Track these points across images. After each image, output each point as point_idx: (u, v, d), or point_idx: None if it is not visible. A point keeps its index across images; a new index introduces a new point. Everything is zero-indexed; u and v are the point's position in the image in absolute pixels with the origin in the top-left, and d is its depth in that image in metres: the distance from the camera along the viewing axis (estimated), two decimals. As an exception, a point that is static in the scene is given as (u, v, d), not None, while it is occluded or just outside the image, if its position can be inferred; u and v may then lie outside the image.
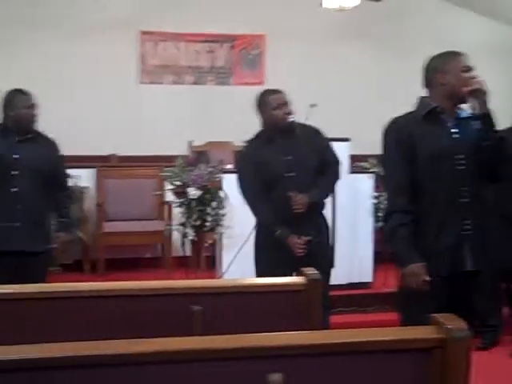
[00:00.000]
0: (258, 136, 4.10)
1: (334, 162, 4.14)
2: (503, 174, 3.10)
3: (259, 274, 3.99)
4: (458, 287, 2.99)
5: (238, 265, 4.82)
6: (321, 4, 7.79)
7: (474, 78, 2.97)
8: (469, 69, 3.00)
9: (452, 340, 1.43)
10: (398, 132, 3.03)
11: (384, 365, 1.49)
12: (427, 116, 3.01)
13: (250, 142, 4.14)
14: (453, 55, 3.04)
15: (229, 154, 6.82)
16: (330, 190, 4.26)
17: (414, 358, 1.49)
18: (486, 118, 2.94)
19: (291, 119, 3.98)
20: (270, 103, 4.00)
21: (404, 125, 3.04)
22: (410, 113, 3.10)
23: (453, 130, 3.02)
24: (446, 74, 2.99)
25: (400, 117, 3.10)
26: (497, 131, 3.02)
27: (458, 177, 2.97)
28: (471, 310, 3.13)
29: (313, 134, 4.10)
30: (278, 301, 2.18)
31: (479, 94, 2.92)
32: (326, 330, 1.71)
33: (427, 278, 2.89)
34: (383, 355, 1.47)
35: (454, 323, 1.45)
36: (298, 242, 3.93)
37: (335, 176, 4.15)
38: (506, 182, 3.34)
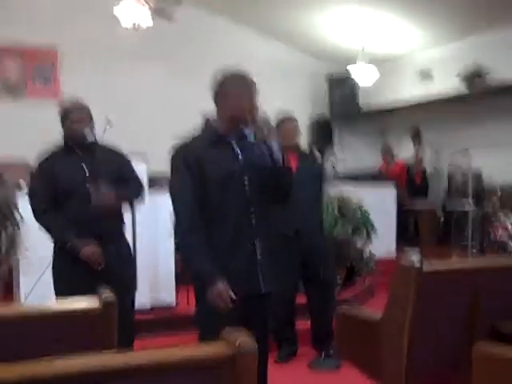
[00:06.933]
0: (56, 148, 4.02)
1: (138, 181, 4.13)
2: (284, 196, 3.20)
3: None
4: (252, 306, 3.06)
5: (41, 290, 4.58)
6: (118, 22, 7.85)
7: (256, 107, 3.03)
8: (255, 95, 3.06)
9: (240, 355, 1.48)
10: (184, 157, 3.03)
11: (177, 384, 1.49)
12: (213, 139, 3.06)
13: (47, 155, 4.01)
14: (241, 80, 3.09)
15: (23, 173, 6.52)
16: (135, 194, 4.13)
17: (205, 375, 1.51)
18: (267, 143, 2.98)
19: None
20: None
21: (191, 149, 3.05)
22: (196, 136, 3.13)
23: (239, 153, 3.09)
24: (231, 98, 3.03)
25: (186, 142, 3.12)
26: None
27: (246, 199, 3.04)
28: (265, 325, 3.21)
29: (112, 151, 4.06)
30: (71, 326, 2.12)
31: (262, 125, 2.98)
32: (116, 353, 1.68)
33: (233, 296, 2.92)
34: (175, 375, 1.48)
35: (241, 339, 1.49)
36: (94, 252, 3.83)
37: (139, 187, 4.12)
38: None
